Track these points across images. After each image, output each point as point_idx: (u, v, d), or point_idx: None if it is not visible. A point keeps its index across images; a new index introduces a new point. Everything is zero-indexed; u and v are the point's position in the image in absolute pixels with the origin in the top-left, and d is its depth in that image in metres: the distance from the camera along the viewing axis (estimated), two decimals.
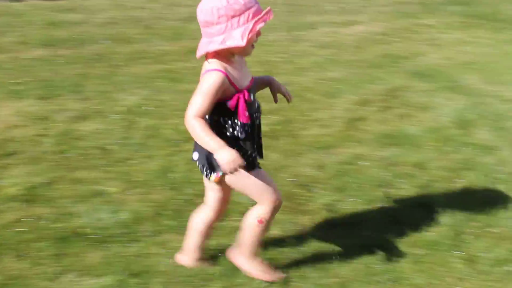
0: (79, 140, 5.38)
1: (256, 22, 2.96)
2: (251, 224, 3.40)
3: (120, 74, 7.16)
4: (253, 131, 3.26)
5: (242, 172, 3.17)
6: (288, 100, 3.59)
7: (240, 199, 4.04)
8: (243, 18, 2.95)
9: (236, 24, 2.95)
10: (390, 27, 9.36)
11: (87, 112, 5.99)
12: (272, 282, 3.49)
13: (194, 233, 3.62)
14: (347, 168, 4.88)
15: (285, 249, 3.82)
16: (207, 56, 3.10)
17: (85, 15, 10.00)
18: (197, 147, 3.24)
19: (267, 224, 3.40)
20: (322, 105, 6.15)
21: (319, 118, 5.83)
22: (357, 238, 3.96)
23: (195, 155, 3.29)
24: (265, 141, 5.26)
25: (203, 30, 3.05)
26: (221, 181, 3.29)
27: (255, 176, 3.27)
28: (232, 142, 3.13)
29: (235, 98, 3.09)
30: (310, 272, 3.58)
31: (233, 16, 2.94)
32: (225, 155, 2.96)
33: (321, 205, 4.34)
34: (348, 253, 3.80)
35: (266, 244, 3.86)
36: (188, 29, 9.21)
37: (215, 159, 3.05)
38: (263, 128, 5.47)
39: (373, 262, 3.71)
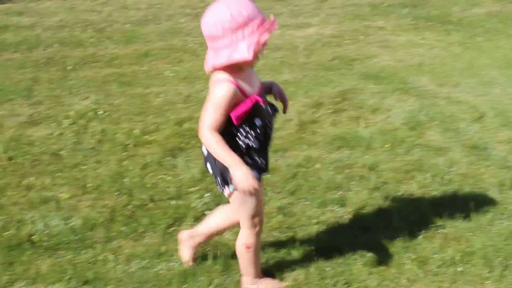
0: (29, 145, 5.31)
1: (261, 33, 2.93)
2: (242, 252, 3.45)
3: (71, 78, 7.08)
4: (266, 140, 3.23)
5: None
6: (284, 110, 3.51)
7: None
8: (247, 30, 2.91)
9: (241, 37, 2.92)
10: (341, 30, 9.41)
11: (38, 117, 5.92)
12: None
13: (213, 225, 3.67)
14: (300, 171, 4.90)
15: None
16: (215, 68, 3.07)
17: (35, 18, 9.87)
18: (209, 159, 3.23)
19: (256, 246, 3.43)
20: None
21: None
22: (310, 241, 3.98)
23: (209, 167, 3.28)
24: None
25: (208, 43, 3.03)
26: None
27: (257, 197, 3.25)
28: (244, 151, 3.13)
29: (245, 105, 3.06)
30: (263, 276, 3.58)
31: (237, 29, 2.90)
32: (242, 175, 2.95)
33: (275, 208, 4.34)
34: (301, 256, 3.82)
35: (219, 249, 3.86)
36: (140, 32, 9.15)
37: (228, 174, 3.07)
38: None
39: (326, 265, 3.73)
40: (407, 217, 4.27)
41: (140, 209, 4.34)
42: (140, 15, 10.25)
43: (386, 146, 5.31)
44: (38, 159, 5.07)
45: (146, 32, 9.16)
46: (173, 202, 4.43)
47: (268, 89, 3.40)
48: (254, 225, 3.34)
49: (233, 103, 3.02)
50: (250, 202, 3.25)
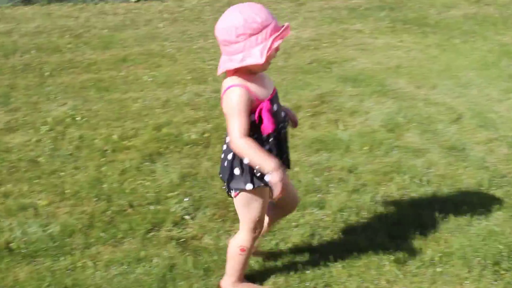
0: (7, 152, 5.28)
1: (274, 39, 2.96)
2: (234, 252, 3.44)
3: (49, 84, 7.03)
4: (279, 142, 3.23)
5: (259, 196, 3.24)
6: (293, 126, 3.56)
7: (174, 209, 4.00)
8: (261, 36, 2.95)
9: (255, 42, 2.95)
10: (319, 33, 9.42)
11: (15, 124, 5.88)
12: None
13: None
14: None
15: (220, 258, 3.81)
16: (227, 73, 3.10)
17: (11, 24, 9.80)
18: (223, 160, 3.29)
19: (249, 251, 3.43)
20: None
21: None
22: (290, 244, 3.98)
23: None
24: (195, 150, 5.31)
25: (222, 48, 3.06)
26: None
27: (263, 202, 3.29)
28: None
29: (257, 111, 3.07)
30: (244, 280, 3.58)
31: (251, 35, 2.94)
32: (278, 176, 2.94)
33: None
34: (281, 260, 3.82)
35: (199, 254, 3.86)
36: (117, 37, 9.11)
37: (236, 175, 3.16)
38: (194, 136, 5.52)
39: (306, 267, 3.74)
40: (386, 218, 4.29)
41: (119, 215, 4.32)
42: (117, 20, 10.21)
43: (364, 148, 5.32)
44: (15, 166, 5.04)
45: (124, 37, 9.13)
46: (152, 207, 4.42)
47: None
48: (254, 229, 3.35)
49: (250, 105, 3.04)
50: (255, 206, 3.27)
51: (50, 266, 3.76)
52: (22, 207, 4.41)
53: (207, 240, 4.01)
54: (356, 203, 4.48)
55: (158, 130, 5.70)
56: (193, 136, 5.53)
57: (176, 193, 4.60)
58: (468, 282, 3.66)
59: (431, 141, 5.52)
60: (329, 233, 4.12)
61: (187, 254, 3.86)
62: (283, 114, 3.26)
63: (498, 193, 4.65)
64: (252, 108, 3.06)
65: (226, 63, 3.04)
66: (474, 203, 4.48)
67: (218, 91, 6.74)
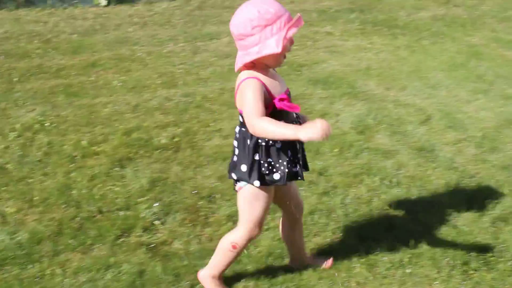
0: None
1: (289, 28, 2.99)
2: (225, 248, 3.44)
3: (17, 90, 6.97)
4: (292, 142, 3.20)
5: (262, 193, 3.26)
6: None
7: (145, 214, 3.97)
8: (275, 26, 2.98)
9: (270, 33, 2.98)
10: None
11: None
12: None
13: (286, 241, 3.77)
14: None
15: (190, 263, 3.80)
16: (243, 68, 3.13)
17: None
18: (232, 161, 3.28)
19: (240, 250, 3.44)
20: (224, 116, 6.14)
21: (220, 129, 5.82)
22: (260, 247, 3.97)
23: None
24: (165, 154, 5.28)
25: (238, 43, 3.09)
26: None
27: (266, 204, 3.31)
28: (263, 151, 3.15)
29: (270, 106, 3.08)
30: (219, 282, 3.57)
31: (266, 26, 2.97)
32: (308, 131, 2.83)
33: (225, 216, 4.33)
34: (251, 263, 3.81)
35: (169, 259, 3.85)
36: (87, 42, 9.06)
37: (243, 171, 3.17)
38: (164, 141, 5.49)
39: (276, 271, 3.73)
40: (356, 220, 4.30)
41: (88, 221, 4.29)
42: (87, 25, 10.17)
43: (335, 150, 5.33)
44: None
45: (94, 42, 9.08)
46: (122, 212, 4.39)
47: None
48: (252, 230, 3.35)
49: (263, 98, 3.05)
50: (258, 206, 3.29)
51: (18, 274, 3.72)
52: None
53: (177, 245, 3.99)
54: (326, 205, 4.48)
55: (128, 135, 5.67)
56: (163, 141, 5.51)
57: (146, 198, 4.57)
58: (438, 282, 3.68)
59: (401, 142, 5.55)
60: None
61: (157, 259, 3.84)
62: (294, 114, 3.27)
63: (466, 193, 4.68)
64: (266, 103, 3.06)
65: (243, 57, 3.08)
66: (443, 203, 4.51)
67: (188, 95, 6.77)
